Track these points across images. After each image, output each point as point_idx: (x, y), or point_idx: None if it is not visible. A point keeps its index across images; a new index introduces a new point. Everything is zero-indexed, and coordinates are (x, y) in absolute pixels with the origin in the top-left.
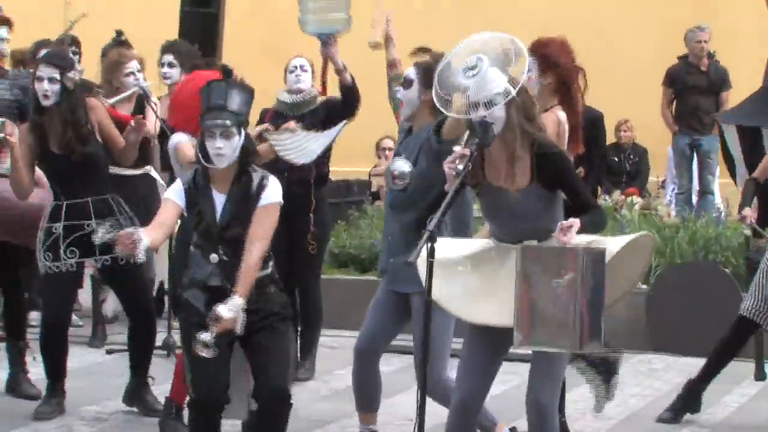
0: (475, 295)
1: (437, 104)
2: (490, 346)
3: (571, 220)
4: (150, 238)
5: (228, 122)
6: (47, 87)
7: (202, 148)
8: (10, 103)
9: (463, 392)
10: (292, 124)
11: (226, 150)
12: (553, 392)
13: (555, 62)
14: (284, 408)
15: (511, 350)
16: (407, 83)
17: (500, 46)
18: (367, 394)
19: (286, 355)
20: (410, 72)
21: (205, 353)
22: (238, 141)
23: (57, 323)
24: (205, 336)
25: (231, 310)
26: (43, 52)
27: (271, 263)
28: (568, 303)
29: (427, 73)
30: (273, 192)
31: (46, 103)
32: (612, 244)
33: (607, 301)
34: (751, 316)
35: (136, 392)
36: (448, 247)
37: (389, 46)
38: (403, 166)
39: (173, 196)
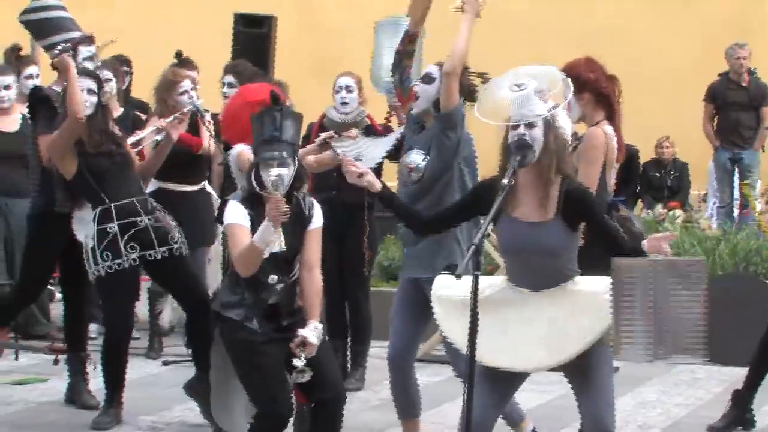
0: (492, 338)
1: (480, 116)
2: (496, 385)
3: (654, 236)
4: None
5: (285, 154)
6: (86, 97)
7: (257, 177)
8: None
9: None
10: (353, 131)
11: (284, 180)
12: (614, 416)
13: (585, 80)
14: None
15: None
16: (429, 79)
17: (546, 76)
18: (407, 401)
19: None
20: (433, 70)
21: (303, 379)
22: (292, 170)
23: (120, 334)
24: (298, 362)
25: (315, 334)
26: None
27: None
28: (697, 313)
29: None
30: (319, 216)
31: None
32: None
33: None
34: None
35: (197, 385)
36: (467, 286)
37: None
38: (417, 158)
39: (242, 220)
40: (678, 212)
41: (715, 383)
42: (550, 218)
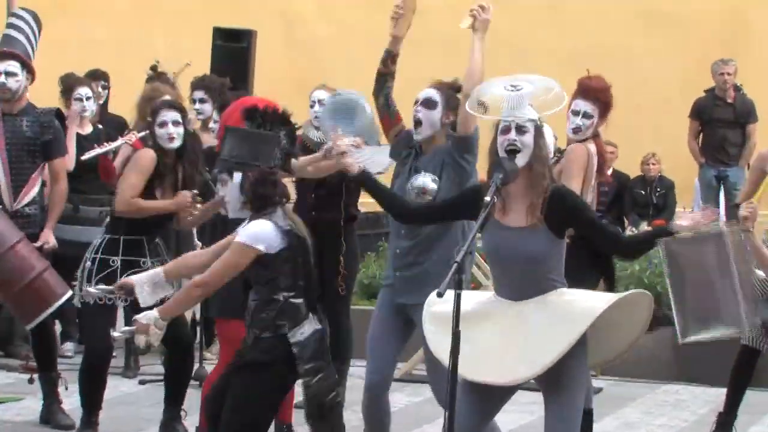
0: (476, 352)
1: (470, 109)
2: (484, 396)
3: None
4: None
5: (219, 169)
6: (173, 129)
7: None
8: (28, 139)
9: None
10: (358, 139)
11: (227, 197)
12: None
13: (609, 103)
14: None
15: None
16: (431, 104)
17: (543, 84)
18: (380, 425)
19: (241, 402)
20: (433, 93)
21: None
22: (235, 185)
23: (100, 359)
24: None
25: (145, 319)
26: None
27: (272, 310)
28: (726, 287)
29: (451, 96)
30: (245, 230)
31: (171, 145)
32: (601, 301)
33: (610, 354)
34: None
35: (169, 424)
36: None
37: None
38: (427, 181)
39: None
40: None
41: (700, 404)
42: (534, 224)
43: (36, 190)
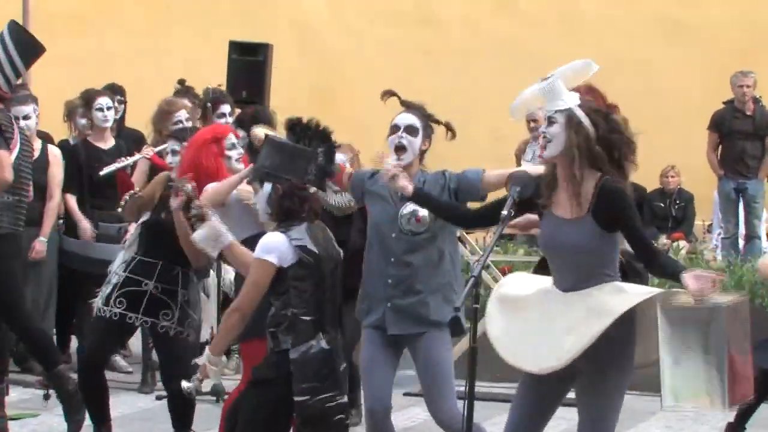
0: (518, 336)
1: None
2: (536, 393)
3: (696, 272)
4: None
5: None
6: (170, 159)
7: None
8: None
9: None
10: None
11: (257, 205)
12: None
13: None
14: None
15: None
16: (414, 131)
17: (570, 65)
18: None
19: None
20: (414, 120)
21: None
22: (264, 195)
23: (95, 368)
24: (188, 385)
25: (202, 361)
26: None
27: (279, 325)
28: (714, 358)
29: (428, 125)
30: (261, 246)
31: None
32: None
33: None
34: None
35: None
36: (522, 284)
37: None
38: (422, 210)
39: None
40: (682, 243)
41: (720, 418)
42: (582, 215)
43: None
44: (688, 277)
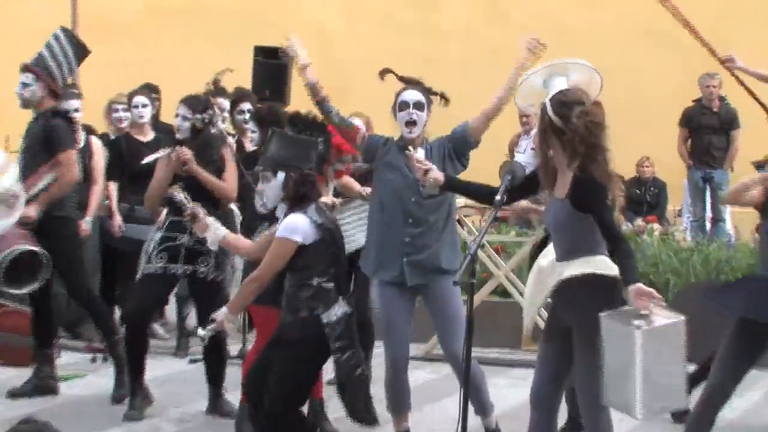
0: (526, 301)
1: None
2: (554, 346)
3: (640, 287)
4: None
5: (261, 167)
6: (179, 123)
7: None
8: (39, 138)
9: (533, 384)
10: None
11: (266, 193)
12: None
13: None
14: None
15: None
16: (421, 106)
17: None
18: (402, 398)
19: (283, 375)
20: (420, 96)
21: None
22: (275, 184)
23: (140, 317)
24: (202, 333)
25: (218, 316)
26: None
27: (306, 293)
28: (678, 367)
29: (430, 100)
30: (285, 226)
31: (177, 135)
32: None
33: None
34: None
35: (216, 399)
36: (549, 255)
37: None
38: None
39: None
40: (656, 226)
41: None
42: (563, 198)
43: (44, 181)
44: (632, 291)
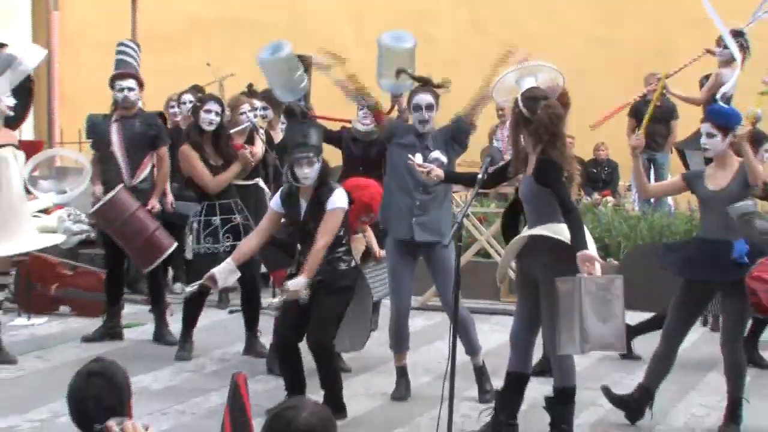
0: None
1: (503, 100)
2: (527, 301)
3: (585, 253)
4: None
5: (311, 154)
6: (213, 117)
7: (292, 173)
8: (140, 135)
9: (511, 330)
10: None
11: (311, 174)
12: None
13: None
14: (322, 356)
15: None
16: (432, 108)
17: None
18: (402, 338)
19: (332, 314)
20: (431, 99)
21: (274, 312)
22: (318, 166)
23: (200, 297)
24: (274, 300)
25: (295, 285)
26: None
27: (341, 249)
28: (617, 317)
29: (437, 96)
30: (335, 201)
31: (209, 128)
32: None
33: None
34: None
35: (251, 342)
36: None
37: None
38: (441, 155)
39: (273, 205)
40: (609, 199)
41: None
42: (529, 174)
43: (147, 171)
44: (579, 256)
